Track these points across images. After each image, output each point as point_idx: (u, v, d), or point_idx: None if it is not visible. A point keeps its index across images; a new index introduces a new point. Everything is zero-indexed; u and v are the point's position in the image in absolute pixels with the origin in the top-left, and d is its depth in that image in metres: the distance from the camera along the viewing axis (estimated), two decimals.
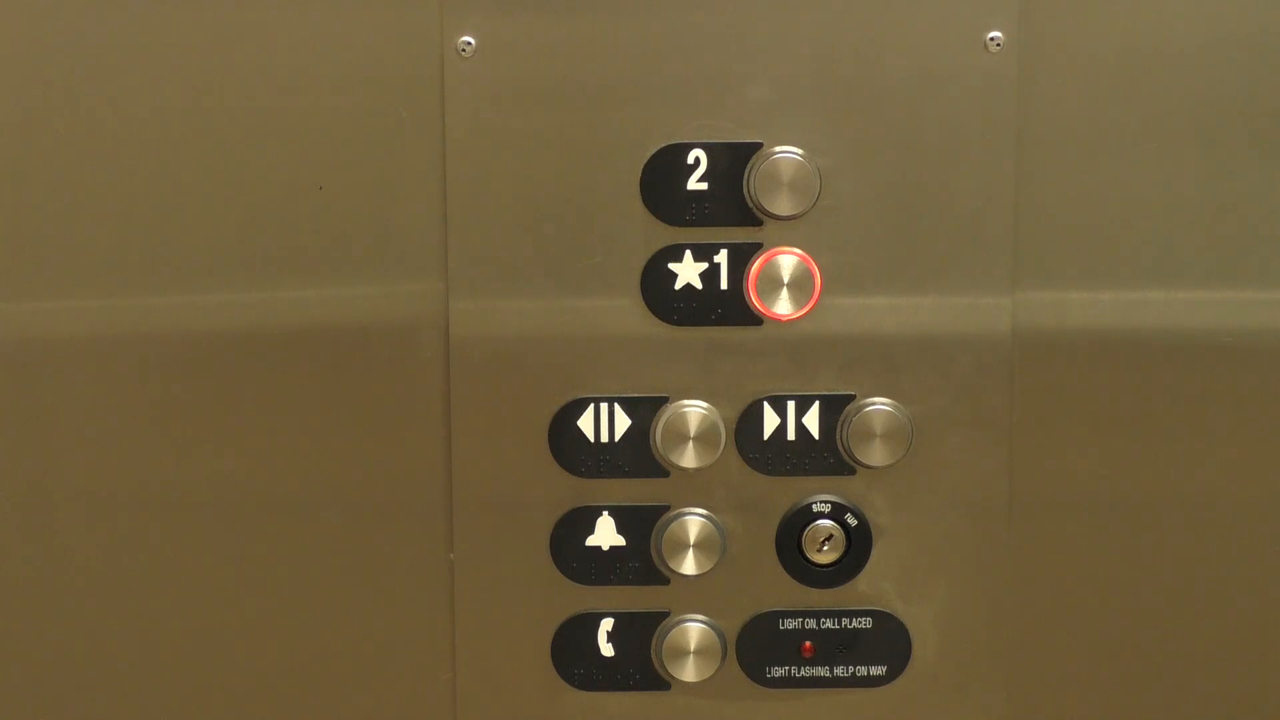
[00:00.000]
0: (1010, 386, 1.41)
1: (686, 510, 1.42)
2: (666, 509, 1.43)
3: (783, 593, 1.44)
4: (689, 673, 1.44)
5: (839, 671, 1.44)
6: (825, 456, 1.42)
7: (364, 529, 1.42)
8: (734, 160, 1.38)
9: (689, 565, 1.42)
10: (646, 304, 1.40)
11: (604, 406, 1.41)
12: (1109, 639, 1.44)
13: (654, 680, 1.45)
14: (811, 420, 1.41)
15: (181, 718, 1.45)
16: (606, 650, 1.44)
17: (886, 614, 1.44)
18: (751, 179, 1.38)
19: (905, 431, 1.41)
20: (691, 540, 1.42)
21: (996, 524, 1.42)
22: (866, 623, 1.44)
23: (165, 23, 1.36)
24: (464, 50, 1.37)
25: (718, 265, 1.39)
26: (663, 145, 1.38)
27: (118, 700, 1.45)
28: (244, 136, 1.38)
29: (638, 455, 1.42)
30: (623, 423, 1.41)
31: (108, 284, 1.39)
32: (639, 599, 1.44)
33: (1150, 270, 1.40)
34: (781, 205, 1.38)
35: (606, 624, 1.44)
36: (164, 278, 1.39)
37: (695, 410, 1.41)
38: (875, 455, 1.41)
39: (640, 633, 1.44)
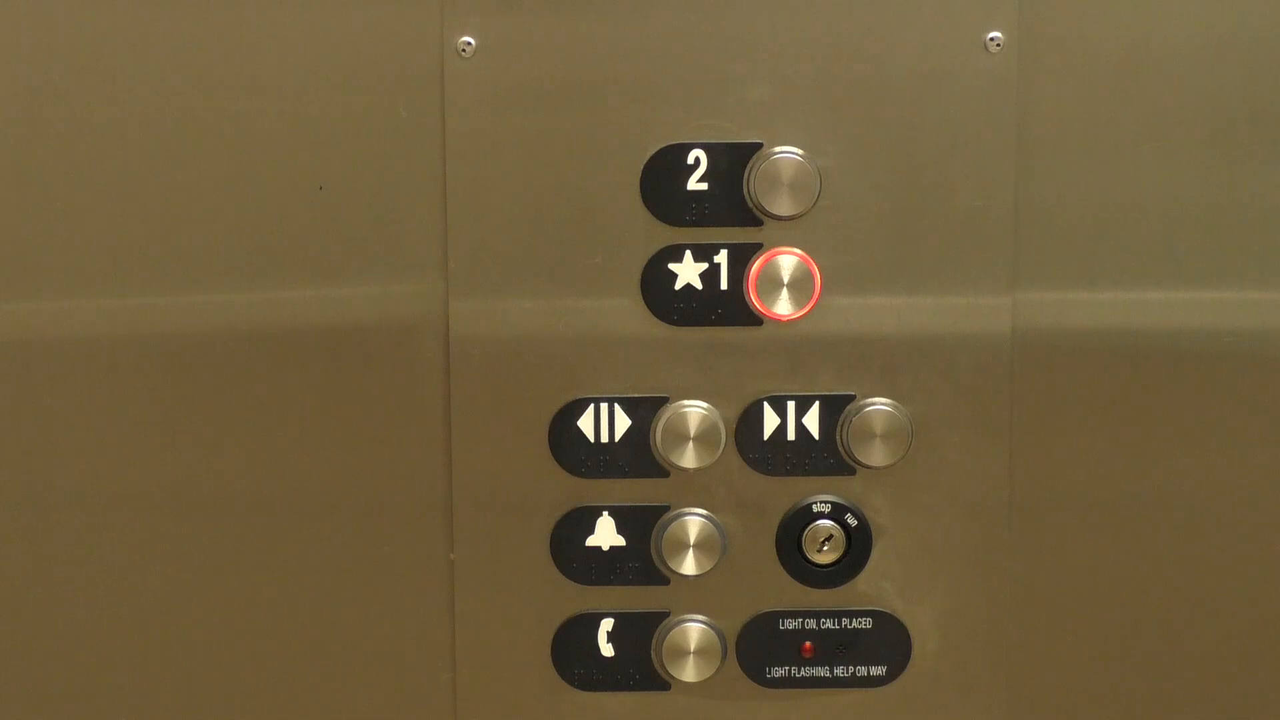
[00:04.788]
0: (1010, 386, 1.41)
1: (686, 510, 1.42)
2: (666, 509, 1.43)
3: (783, 593, 1.44)
4: (689, 673, 1.44)
5: (839, 671, 1.44)
6: (825, 456, 1.42)
7: (364, 529, 1.42)
8: (734, 160, 1.38)
9: (689, 565, 1.42)
10: (646, 304, 1.40)
11: (604, 406, 1.41)
12: (1109, 638, 1.44)
13: (654, 680, 1.45)
14: (811, 420, 1.41)
15: (182, 718, 1.45)
16: (606, 650, 1.44)
17: (886, 614, 1.44)
18: (751, 179, 1.38)
19: (905, 431, 1.41)
20: (691, 540, 1.42)
21: (996, 524, 1.42)
22: (866, 623, 1.44)
23: (165, 22, 1.36)
24: (464, 50, 1.37)
25: (718, 265, 1.39)
26: (663, 145, 1.38)
27: (118, 700, 1.45)
28: (244, 136, 1.38)
29: (638, 455, 1.42)
30: (623, 423, 1.41)
31: (108, 284, 1.39)
32: (639, 599, 1.44)
33: (1150, 270, 1.40)
34: (781, 205, 1.38)
35: (606, 624, 1.44)
36: (164, 278, 1.39)
37: (695, 410, 1.41)
38: (875, 455, 1.41)
39: (640, 633, 1.44)
